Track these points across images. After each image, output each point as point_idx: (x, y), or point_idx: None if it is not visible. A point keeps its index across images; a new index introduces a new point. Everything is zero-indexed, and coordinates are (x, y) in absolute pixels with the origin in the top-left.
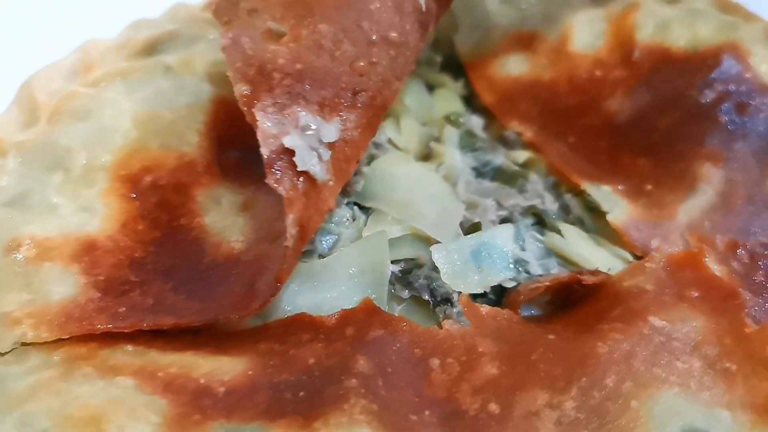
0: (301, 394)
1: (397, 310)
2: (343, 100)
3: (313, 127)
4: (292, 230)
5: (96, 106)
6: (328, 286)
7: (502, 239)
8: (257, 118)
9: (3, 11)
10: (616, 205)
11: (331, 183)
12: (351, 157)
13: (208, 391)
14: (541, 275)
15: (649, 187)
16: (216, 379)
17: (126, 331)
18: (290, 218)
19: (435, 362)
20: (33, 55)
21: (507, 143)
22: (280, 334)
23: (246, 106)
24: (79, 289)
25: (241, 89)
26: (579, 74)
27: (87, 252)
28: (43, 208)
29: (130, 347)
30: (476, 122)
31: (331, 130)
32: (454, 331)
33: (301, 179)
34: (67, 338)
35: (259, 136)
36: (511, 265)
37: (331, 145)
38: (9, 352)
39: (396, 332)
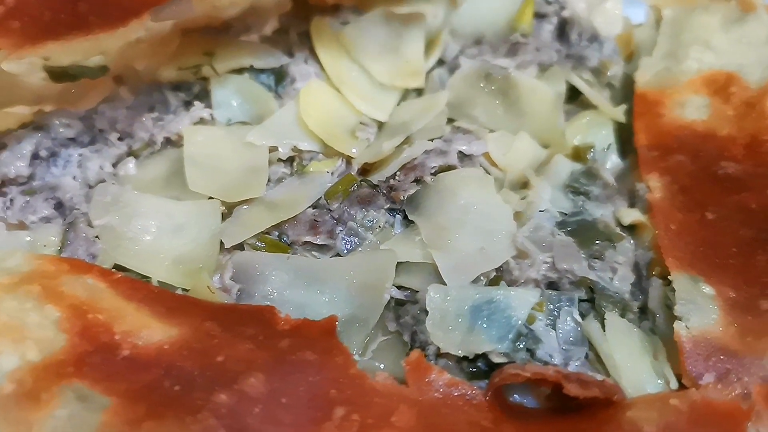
0: (176, 388)
1: (378, 341)
2: None
3: None
4: None
5: None
6: (322, 288)
7: (517, 303)
8: None
9: None
10: (704, 313)
11: None
12: None
13: (111, 350)
14: (547, 362)
15: None
16: (129, 341)
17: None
18: None
19: (339, 412)
20: None
21: (633, 198)
22: (232, 321)
23: None
24: None
25: None
26: (766, 139)
27: None
28: None
29: (91, 280)
30: (614, 163)
31: None
32: (381, 387)
33: None
34: (49, 255)
35: None
36: (510, 338)
37: None
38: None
39: (325, 364)
